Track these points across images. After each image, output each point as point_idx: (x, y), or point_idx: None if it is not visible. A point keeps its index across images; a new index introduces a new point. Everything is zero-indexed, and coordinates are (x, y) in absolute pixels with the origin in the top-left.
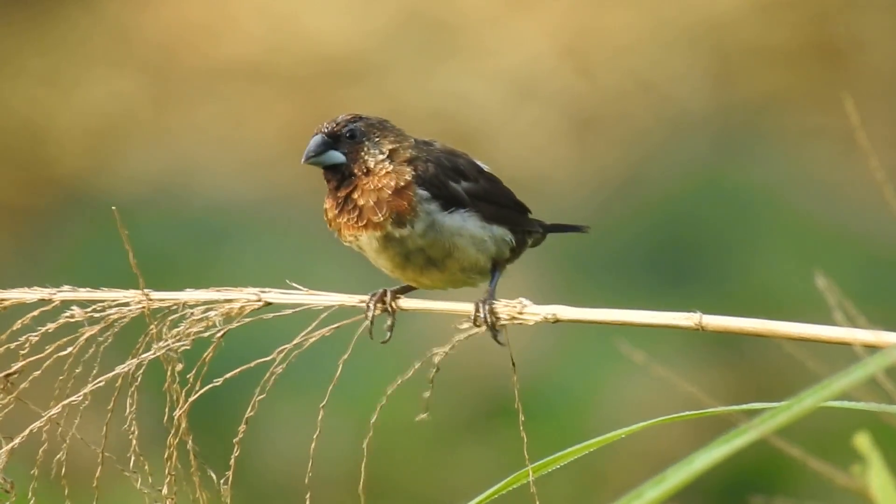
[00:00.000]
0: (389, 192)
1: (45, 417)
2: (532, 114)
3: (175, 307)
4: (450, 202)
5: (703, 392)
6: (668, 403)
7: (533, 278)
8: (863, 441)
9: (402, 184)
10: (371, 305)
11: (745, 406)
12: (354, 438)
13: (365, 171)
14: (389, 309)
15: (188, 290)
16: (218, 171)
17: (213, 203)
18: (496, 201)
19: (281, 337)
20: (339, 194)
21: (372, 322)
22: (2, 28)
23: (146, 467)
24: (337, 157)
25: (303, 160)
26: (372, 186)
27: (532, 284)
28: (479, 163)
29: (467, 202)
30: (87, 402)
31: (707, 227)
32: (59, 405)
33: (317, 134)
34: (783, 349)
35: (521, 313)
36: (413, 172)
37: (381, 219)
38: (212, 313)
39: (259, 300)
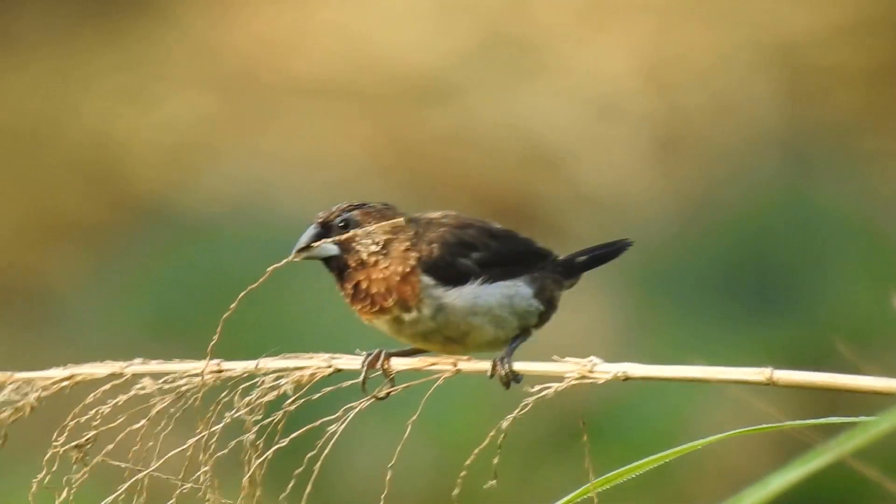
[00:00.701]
0: (398, 279)
1: (120, 491)
2: (613, 134)
3: (246, 375)
4: (460, 280)
5: (780, 412)
6: (748, 424)
7: (610, 300)
8: None
9: (408, 270)
10: (364, 367)
11: (814, 421)
12: (432, 456)
13: (359, 262)
14: (383, 371)
15: (261, 357)
16: (297, 189)
17: (292, 222)
18: (512, 261)
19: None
20: (346, 284)
21: (364, 384)
22: (82, 45)
23: None
24: (330, 249)
25: (292, 253)
26: (380, 275)
27: (608, 307)
28: (490, 225)
29: (478, 274)
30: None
31: (785, 248)
32: (133, 479)
33: (310, 225)
34: (861, 370)
35: (591, 371)
36: (417, 256)
37: (390, 304)
38: (282, 381)
39: (330, 367)
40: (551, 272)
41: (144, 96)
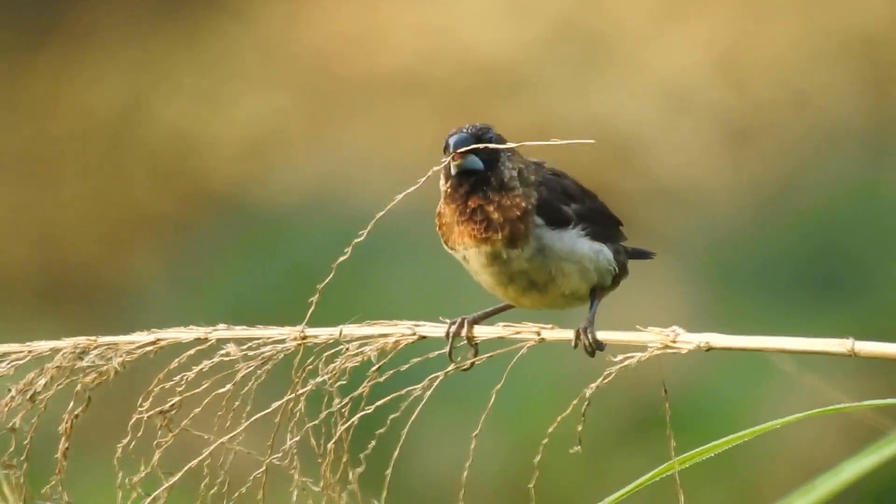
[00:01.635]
0: (517, 214)
1: (205, 453)
2: (686, 125)
3: (331, 342)
4: (560, 225)
5: (856, 400)
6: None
7: (685, 290)
8: None
9: (529, 207)
10: (449, 337)
11: (873, 402)
12: (507, 450)
13: (499, 183)
14: (466, 340)
15: (345, 325)
16: (371, 184)
17: (367, 217)
18: (599, 220)
19: (436, 359)
20: (469, 203)
21: (451, 354)
22: (157, 43)
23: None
24: (476, 162)
25: (451, 149)
26: (507, 203)
27: (684, 296)
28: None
29: (575, 223)
30: (242, 437)
31: (860, 237)
32: (218, 441)
33: (460, 133)
34: None
35: (674, 342)
36: (537, 196)
37: (499, 237)
38: (367, 348)
39: (414, 334)
40: (622, 241)
41: (219, 93)
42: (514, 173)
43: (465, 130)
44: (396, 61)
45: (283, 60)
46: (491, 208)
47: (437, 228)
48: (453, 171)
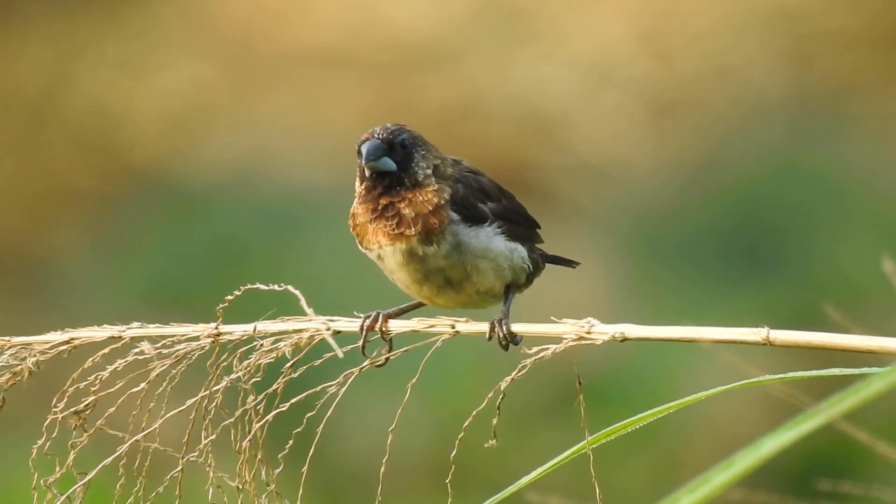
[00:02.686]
0: (429, 209)
1: (120, 451)
2: (609, 99)
3: (245, 338)
4: (476, 222)
5: (771, 373)
6: (744, 389)
7: (605, 265)
8: None
9: (442, 202)
10: (363, 330)
11: (807, 373)
12: (429, 426)
13: (413, 182)
14: (381, 334)
15: (259, 320)
16: (294, 158)
17: (289, 190)
18: (516, 220)
19: (351, 353)
20: (381, 200)
21: (363, 349)
22: (80, 15)
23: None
24: (389, 164)
25: (363, 162)
26: (419, 199)
27: (604, 271)
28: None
29: (491, 220)
30: (158, 435)
31: (783, 211)
32: (132, 439)
33: (372, 139)
34: (851, 332)
35: (588, 333)
36: (450, 192)
37: (413, 233)
38: (281, 344)
39: (328, 329)
40: (538, 243)
41: (142, 66)
42: (429, 171)
43: (377, 135)
44: (320, 35)
45: (206, 33)
46: (403, 205)
47: (352, 229)
48: (367, 174)
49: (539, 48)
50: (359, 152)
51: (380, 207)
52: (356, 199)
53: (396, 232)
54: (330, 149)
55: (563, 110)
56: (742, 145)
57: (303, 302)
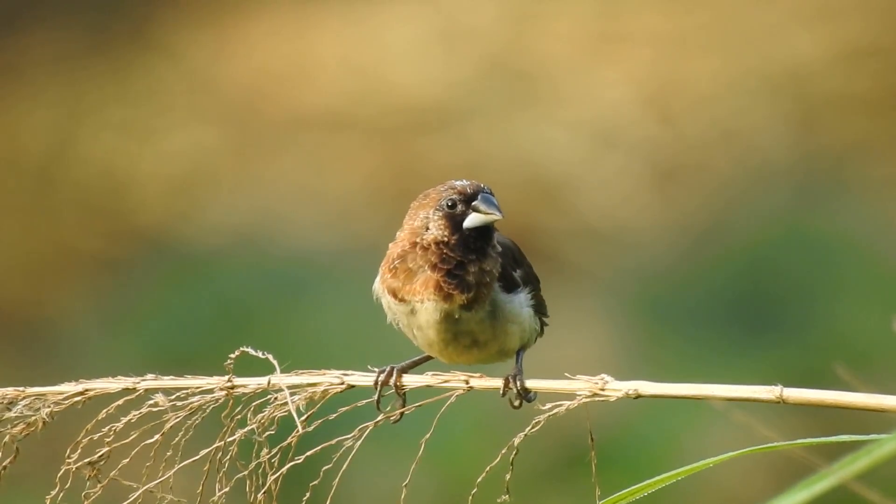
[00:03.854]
0: (488, 280)
1: (132, 497)
2: (614, 163)
3: (259, 391)
4: (511, 289)
5: (783, 437)
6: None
7: (616, 329)
8: None
9: (497, 275)
10: (377, 385)
11: (821, 440)
12: (439, 484)
13: (493, 244)
14: (395, 388)
15: (273, 374)
16: (300, 221)
17: (295, 254)
18: (534, 282)
19: (365, 407)
20: (456, 255)
21: (378, 404)
22: (85, 79)
23: None
24: (500, 214)
25: (499, 216)
26: (485, 268)
27: (615, 336)
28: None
29: (522, 287)
30: (172, 486)
31: (790, 276)
32: (144, 487)
33: (485, 189)
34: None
35: (602, 390)
36: (501, 264)
37: (463, 299)
38: (295, 397)
39: (342, 383)
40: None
41: (147, 130)
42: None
43: (485, 188)
44: (324, 99)
45: (210, 97)
46: (472, 269)
47: (389, 271)
48: (476, 223)
49: (543, 111)
50: (470, 197)
51: (455, 262)
52: (413, 242)
53: (447, 292)
54: (335, 212)
55: (568, 174)
56: (747, 209)
57: (272, 360)
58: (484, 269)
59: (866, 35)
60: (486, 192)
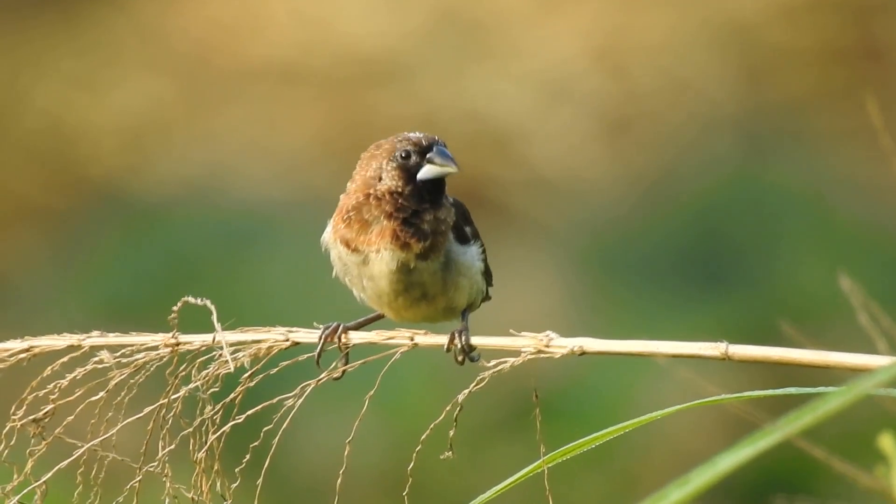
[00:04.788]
0: (443, 229)
1: (76, 455)
2: (564, 114)
3: (204, 348)
4: (463, 242)
5: (730, 393)
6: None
7: (561, 279)
8: (887, 442)
9: (451, 224)
10: (321, 340)
11: (765, 392)
12: (386, 440)
13: (445, 195)
14: (339, 345)
15: (218, 332)
16: (250, 173)
17: (245, 206)
18: (483, 245)
19: (308, 363)
20: (411, 205)
21: (318, 359)
22: (34, 29)
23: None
24: (455, 167)
25: (455, 169)
26: (440, 217)
27: (560, 285)
28: None
29: (473, 241)
30: (115, 443)
31: (737, 227)
32: (89, 444)
33: (440, 143)
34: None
35: (547, 346)
36: (454, 214)
37: (419, 247)
38: (240, 354)
39: (287, 340)
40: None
41: (97, 81)
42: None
43: (439, 141)
44: (275, 50)
45: (161, 48)
46: (427, 217)
47: (343, 221)
48: (430, 175)
49: (494, 64)
50: (425, 149)
51: (410, 211)
52: (367, 192)
53: (404, 241)
54: (285, 164)
55: (519, 125)
56: (697, 160)
57: (214, 317)
58: (438, 217)
59: None
60: (441, 145)
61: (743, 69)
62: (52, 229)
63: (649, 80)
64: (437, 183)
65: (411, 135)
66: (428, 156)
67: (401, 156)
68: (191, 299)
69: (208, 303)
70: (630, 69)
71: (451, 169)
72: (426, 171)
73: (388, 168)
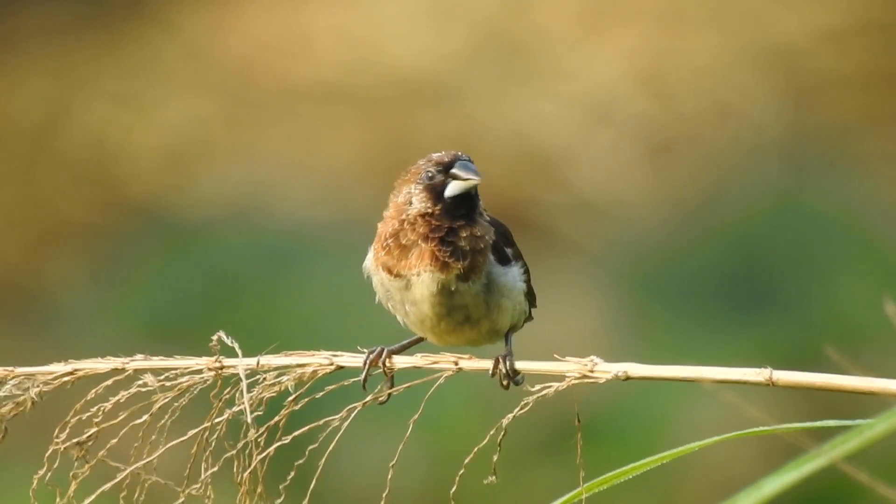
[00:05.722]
0: (482, 246)
1: (119, 478)
2: (607, 137)
3: (248, 371)
4: (503, 264)
5: (772, 417)
6: (740, 428)
7: (604, 303)
8: None
9: (490, 242)
10: (366, 365)
11: (810, 424)
12: (428, 462)
13: (480, 212)
14: (384, 369)
15: (262, 354)
16: (293, 193)
17: (287, 226)
18: (526, 266)
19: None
20: (445, 223)
21: (364, 383)
22: (80, 49)
23: None
24: (478, 177)
25: (479, 179)
26: (476, 234)
27: (602, 310)
28: None
29: (514, 262)
30: (157, 467)
31: (781, 251)
32: (132, 467)
33: (463, 157)
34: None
35: (591, 371)
36: (493, 232)
37: (458, 267)
38: (284, 378)
39: (331, 364)
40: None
41: (141, 100)
42: (482, 207)
43: (463, 157)
44: (318, 70)
45: (205, 68)
46: (464, 235)
47: (383, 248)
48: (457, 190)
49: (538, 86)
50: (448, 166)
51: (445, 229)
52: (393, 223)
53: (443, 261)
54: (328, 184)
55: (562, 148)
56: (740, 183)
57: (239, 353)
58: (475, 234)
59: (859, 11)
60: (463, 159)
61: (787, 93)
62: (95, 248)
63: (693, 104)
64: (468, 198)
65: (434, 155)
66: (451, 172)
67: (426, 177)
68: (223, 336)
69: (233, 342)
70: (674, 92)
71: (474, 180)
72: (452, 188)
73: (416, 191)
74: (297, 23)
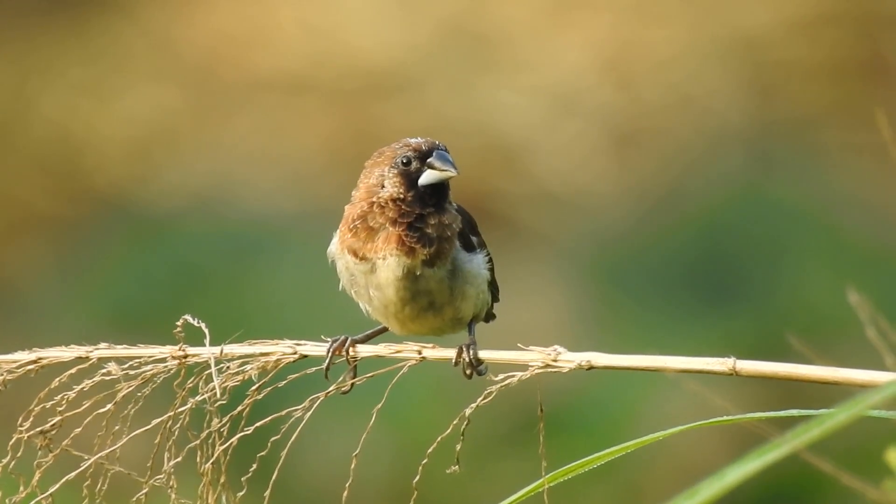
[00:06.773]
0: (449, 234)
1: (83, 467)
2: (572, 128)
3: (212, 360)
4: (469, 251)
5: (737, 407)
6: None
7: (568, 293)
8: (894, 457)
9: (457, 230)
10: (329, 353)
11: (773, 413)
12: (392, 452)
13: (449, 201)
14: (347, 358)
15: (226, 342)
16: (257, 183)
17: (252, 216)
18: (490, 255)
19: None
20: (415, 210)
21: (327, 372)
22: (43, 37)
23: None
24: (454, 171)
25: (455, 172)
26: (444, 222)
27: (566, 300)
28: None
29: (480, 250)
30: (119, 456)
31: (745, 241)
32: (95, 456)
33: (440, 147)
34: (815, 363)
35: (555, 360)
36: (460, 220)
37: (425, 253)
38: (247, 367)
39: (294, 353)
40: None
41: (105, 90)
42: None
43: (440, 146)
44: (283, 61)
45: (171, 59)
46: (432, 221)
47: (350, 230)
48: (431, 179)
49: (502, 77)
50: (425, 155)
51: (414, 215)
52: (362, 204)
53: (409, 246)
54: (292, 175)
55: (526, 139)
56: (705, 174)
57: (206, 337)
58: (443, 222)
59: (822, 2)
60: (441, 150)
61: (752, 85)
62: (59, 238)
63: (658, 95)
64: (440, 187)
65: (412, 140)
66: (428, 161)
67: (401, 162)
68: (189, 318)
69: (200, 323)
70: (639, 84)
71: (451, 172)
72: (427, 177)
73: (390, 175)
74: (261, 13)
